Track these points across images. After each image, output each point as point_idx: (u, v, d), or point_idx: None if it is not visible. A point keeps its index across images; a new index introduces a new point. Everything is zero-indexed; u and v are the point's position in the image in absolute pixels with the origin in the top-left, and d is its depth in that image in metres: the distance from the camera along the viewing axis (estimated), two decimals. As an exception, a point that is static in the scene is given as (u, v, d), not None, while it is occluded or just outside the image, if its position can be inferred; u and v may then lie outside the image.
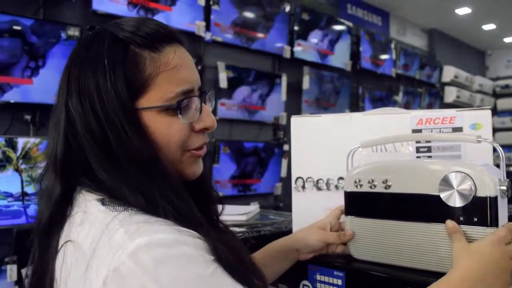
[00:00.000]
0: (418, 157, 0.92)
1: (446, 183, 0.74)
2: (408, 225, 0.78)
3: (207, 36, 3.86)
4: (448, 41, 7.54)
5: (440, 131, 0.92)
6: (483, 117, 0.90)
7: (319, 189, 0.98)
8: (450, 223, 0.73)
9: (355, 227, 0.84)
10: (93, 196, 0.61)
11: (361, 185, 0.83)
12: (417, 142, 0.93)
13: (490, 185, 0.71)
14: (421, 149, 0.92)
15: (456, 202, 0.74)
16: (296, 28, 4.52)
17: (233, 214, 1.25)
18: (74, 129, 0.62)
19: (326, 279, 0.83)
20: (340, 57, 5.07)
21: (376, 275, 0.76)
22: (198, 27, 3.70)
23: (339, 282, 0.81)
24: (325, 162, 0.97)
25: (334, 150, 0.97)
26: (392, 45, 6.03)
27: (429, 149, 0.91)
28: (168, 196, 0.59)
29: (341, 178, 0.96)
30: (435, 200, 0.75)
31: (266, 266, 0.86)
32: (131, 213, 0.56)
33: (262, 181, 4.18)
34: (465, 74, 7.42)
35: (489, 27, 7.29)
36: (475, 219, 0.72)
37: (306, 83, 4.67)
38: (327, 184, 0.98)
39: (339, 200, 0.90)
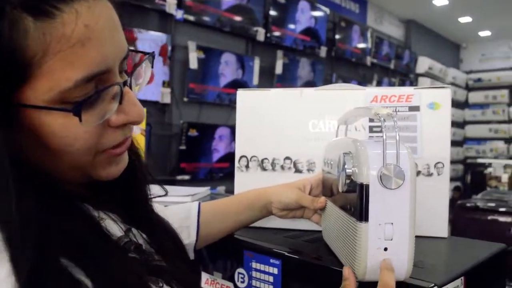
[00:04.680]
0: (371, 137, 0.85)
1: (339, 164, 0.62)
2: (333, 209, 0.71)
3: (178, 14, 3.73)
4: (424, 32, 7.54)
5: (396, 110, 0.85)
6: (442, 97, 0.84)
7: (264, 169, 0.90)
8: (346, 270, 0.59)
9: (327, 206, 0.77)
10: None
11: (324, 164, 0.77)
12: (371, 121, 0.86)
13: (363, 169, 0.55)
14: (374, 129, 0.86)
15: (340, 185, 0.61)
16: (271, 11, 4.42)
17: (178, 196, 1.17)
18: None
19: (262, 267, 0.75)
20: (315, 43, 5.00)
21: (312, 263, 0.69)
22: (169, 4, 3.57)
23: (275, 270, 0.73)
24: (271, 141, 0.90)
25: (282, 128, 0.89)
26: (369, 34, 5.99)
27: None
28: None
29: (287, 158, 0.89)
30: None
31: (240, 214, 0.82)
32: None
33: (231, 165, 4.11)
34: (439, 66, 7.45)
35: (465, 19, 7.32)
36: (352, 209, 0.58)
37: (279, 67, 4.59)
38: (273, 164, 0.90)
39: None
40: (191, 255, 0.80)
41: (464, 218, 3.00)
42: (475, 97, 8.09)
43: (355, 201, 0.55)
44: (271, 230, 0.89)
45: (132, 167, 0.57)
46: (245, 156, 0.91)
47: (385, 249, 0.54)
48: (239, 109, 0.92)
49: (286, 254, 0.74)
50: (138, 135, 1.73)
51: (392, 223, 0.54)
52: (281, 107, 0.90)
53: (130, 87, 0.51)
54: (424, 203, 0.74)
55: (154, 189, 0.67)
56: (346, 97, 0.87)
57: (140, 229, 0.57)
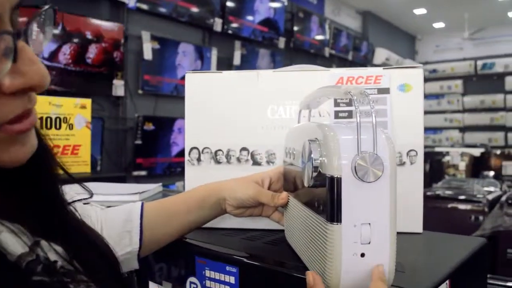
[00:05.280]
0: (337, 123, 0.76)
1: (304, 153, 0.52)
2: (298, 206, 0.60)
3: (131, 2, 3.55)
4: (381, 23, 7.61)
5: (363, 94, 0.76)
6: (414, 77, 0.75)
7: (217, 162, 0.80)
8: (310, 276, 0.49)
9: (290, 203, 0.66)
10: None
11: (286, 154, 0.67)
12: (336, 105, 0.76)
13: (333, 159, 0.44)
14: (340, 114, 0.76)
15: (306, 179, 0.51)
16: (228, 2, 4.30)
17: (123, 194, 1.04)
18: None
19: (217, 275, 0.65)
20: (274, 34, 4.91)
21: (275, 271, 0.59)
22: (121, -9, 3.40)
23: (232, 279, 0.63)
24: (225, 130, 0.79)
25: (237, 115, 0.79)
26: (326, 25, 5.96)
27: (349, 114, 0.76)
28: None
29: (244, 149, 0.78)
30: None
31: (189, 213, 0.70)
32: None
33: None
34: (396, 57, 7.54)
35: (420, 11, 7.42)
36: (321, 207, 0.47)
37: (237, 58, 4.48)
38: (228, 156, 0.79)
39: (243, 177, 0.72)
40: (135, 264, 0.69)
41: (425, 207, 3.00)
42: (431, 87, 8.24)
43: (325, 197, 0.45)
44: (227, 231, 0.78)
45: (38, 160, 0.44)
46: (196, 148, 0.80)
47: (362, 254, 0.44)
48: (188, 94, 0.81)
49: (244, 260, 0.63)
50: (83, 128, 1.59)
51: (369, 224, 0.44)
52: (236, 91, 0.79)
53: (27, 42, 0.38)
54: (397, 195, 0.66)
55: (77, 189, 0.55)
56: (308, 79, 0.77)
57: (55, 242, 0.44)
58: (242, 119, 0.79)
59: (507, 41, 7.91)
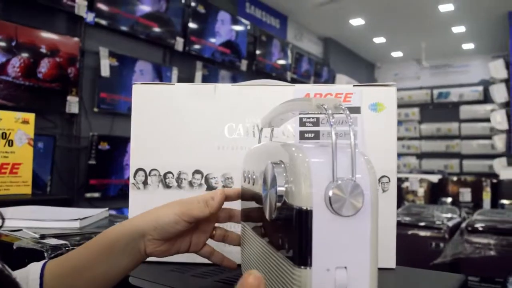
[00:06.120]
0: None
1: (266, 179, 0.44)
2: (258, 242, 0.50)
3: (89, 17, 3.43)
4: (341, 50, 7.74)
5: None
6: (386, 96, 0.69)
7: (167, 186, 0.70)
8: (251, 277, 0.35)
9: (247, 237, 0.57)
10: None
11: (244, 179, 0.57)
12: (302, 125, 0.69)
13: (301, 187, 0.36)
14: (306, 135, 0.68)
15: (267, 211, 0.43)
16: (191, 22, 4.23)
17: (61, 220, 0.92)
18: None
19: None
20: (235, 57, 4.87)
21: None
22: (78, 5, 3.28)
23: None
24: (176, 149, 0.69)
25: (190, 133, 0.69)
26: (289, 50, 5.98)
27: (316, 135, 0.68)
28: None
29: (197, 171, 0.69)
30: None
31: (97, 264, 0.54)
32: None
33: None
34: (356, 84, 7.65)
35: (379, 40, 7.60)
36: (286, 246, 0.38)
37: (198, 79, 4.39)
38: (178, 180, 0.69)
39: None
40: None
41: (386, 234, 2.96)
42: (389, 114, 8.38)
43: (291, 235, 0.37)
44: (176, 266, 0.68)
45: None
46: (143, 170, 0.70)
47: (336, 305, 0.36)
48: (135, 109, 0.71)
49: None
50: (24, 145, 1.45)
51: (346, 268, 0.36)
52: (190, 106, 0.70)
53: None
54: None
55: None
56: (271, 95, 0.69)
57: None
58: (196, 138, 0.69)
59: (461, 71, 8.20)
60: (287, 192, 0.38)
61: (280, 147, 0.42)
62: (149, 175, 0.70)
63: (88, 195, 3.45)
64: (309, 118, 0.68)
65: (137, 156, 0.70)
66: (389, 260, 0.67)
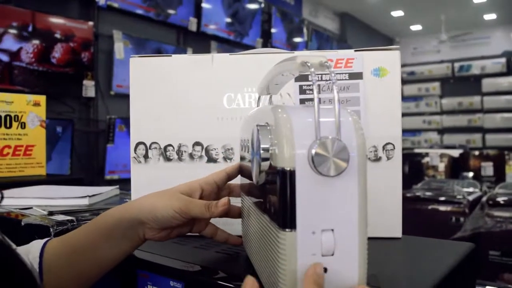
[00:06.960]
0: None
1: (253, 142, 0.42)
2: (252, 209, 0.49)
3: (101, 0, 3.43)
4: (359, 25, 7.59)
5: (333, 77, 0.66)
6: (390, 60, 0.66)
7: (167, 159, 0.69)
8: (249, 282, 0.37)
9: (245, 206, 0.55)
10: None
11: (242, 148, 0.55)
12: (301, 93, 0.67)
13: (284, 148, 0.34)
14: (306, 103, 0.67)
15: (254, 175, 0.42)
16: (204, 1, 4.20)
17: (70, 197, 0.93)
18: None
19: (160, 292, 0.55)
20: (250, 35, 4.83)
21: (223, 286, 0.49)
22: (89, -11, 3.29)
23: (176, 297, 0.53)
24: (176, 122, 0.68)
25: (189, 105, 0.68)
26: (304, 27, 5.89)
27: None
28: None
29: (197, 143, 0.68)
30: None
31: (97, 248, 0.54)
32: None
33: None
34: (374, 59, 7.52)
35: (397, 13, 7.43)
36: (272, 210, 0.37)
37: (213, 59, 4.37)
38: (179, 152, 0.69)
39: (197, 176, 0.61)
40: None
41: (404, 209, 2.93)
42: (409, 89, 8.25)
43: (276, 197, 0.35)
44: (179, 237, 0.67)
45: None
46: (143, 143, 0.70)
47: (325, 270, 0.35)
48: (133, 83, 0.70)
49: (192, 274, 0.53)
50: (37, 127, 1.46)
51: (332, 230, 0.34)
52: (188, 78, 0.69)
53: None
54: (372, 195, 0.56)
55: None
56: (270, 64, 0.67)
57: None
58: (195, 109, 0.68)
59: (483, 43, 7.98)
60: (271, 154, 0.36)
61: (269, 110, 0.41)
62: (150, 149, 0.69)
63: (108, 177, 3.51)
64: (309, 85, 0.66)
65: (137, 130, 0.70)
66: (395, 229, 0.66)
